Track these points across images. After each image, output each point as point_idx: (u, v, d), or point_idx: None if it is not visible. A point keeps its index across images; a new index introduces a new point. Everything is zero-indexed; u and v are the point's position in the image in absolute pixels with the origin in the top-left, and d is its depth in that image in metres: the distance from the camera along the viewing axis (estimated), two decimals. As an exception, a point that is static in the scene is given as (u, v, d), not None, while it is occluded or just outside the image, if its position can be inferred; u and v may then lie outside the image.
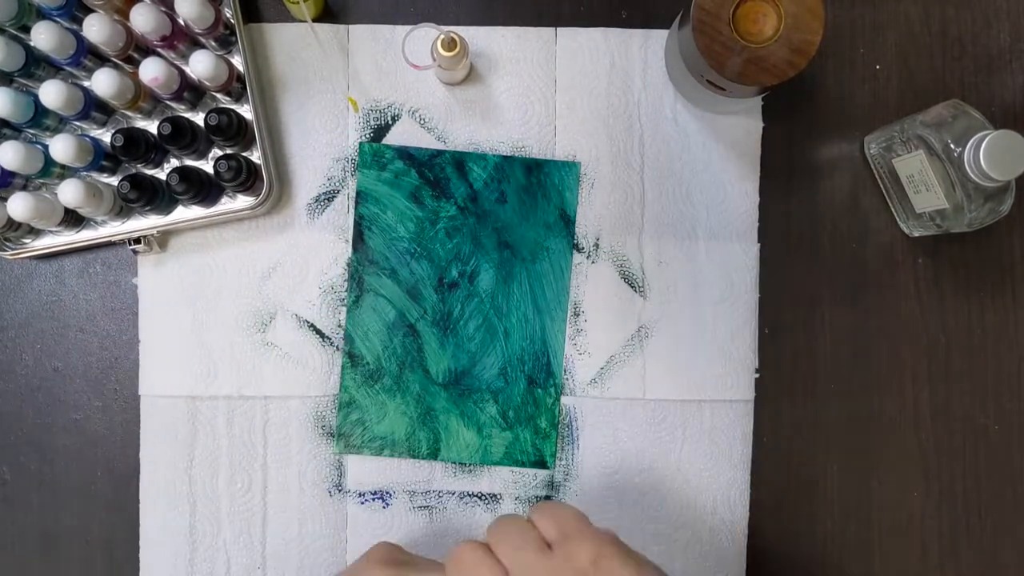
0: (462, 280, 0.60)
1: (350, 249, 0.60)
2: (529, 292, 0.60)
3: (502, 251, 0.60)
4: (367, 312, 0.60)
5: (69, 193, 0.53)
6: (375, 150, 0.60)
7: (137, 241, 0.58)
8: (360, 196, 0.60)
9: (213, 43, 0.57)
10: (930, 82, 0.62)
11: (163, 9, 0.54)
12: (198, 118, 0.58)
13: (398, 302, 0.60)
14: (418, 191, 0.60)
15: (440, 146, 0.60)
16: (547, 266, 0.60)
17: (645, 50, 0.61)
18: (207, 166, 0.58)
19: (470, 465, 0.60)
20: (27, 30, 0.53)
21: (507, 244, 0.60)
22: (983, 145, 0.50)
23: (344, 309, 0.60)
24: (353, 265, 0.60)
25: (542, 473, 0.60)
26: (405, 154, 0.60)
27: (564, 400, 0.60)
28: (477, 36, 0.60)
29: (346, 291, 0.60)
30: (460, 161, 0.60)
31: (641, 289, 0.60)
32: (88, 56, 0.55)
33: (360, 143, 0.60)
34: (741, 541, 0.60)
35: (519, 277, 0.60)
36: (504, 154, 0.60)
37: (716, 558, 0.60)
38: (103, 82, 0.53)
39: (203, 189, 0.57)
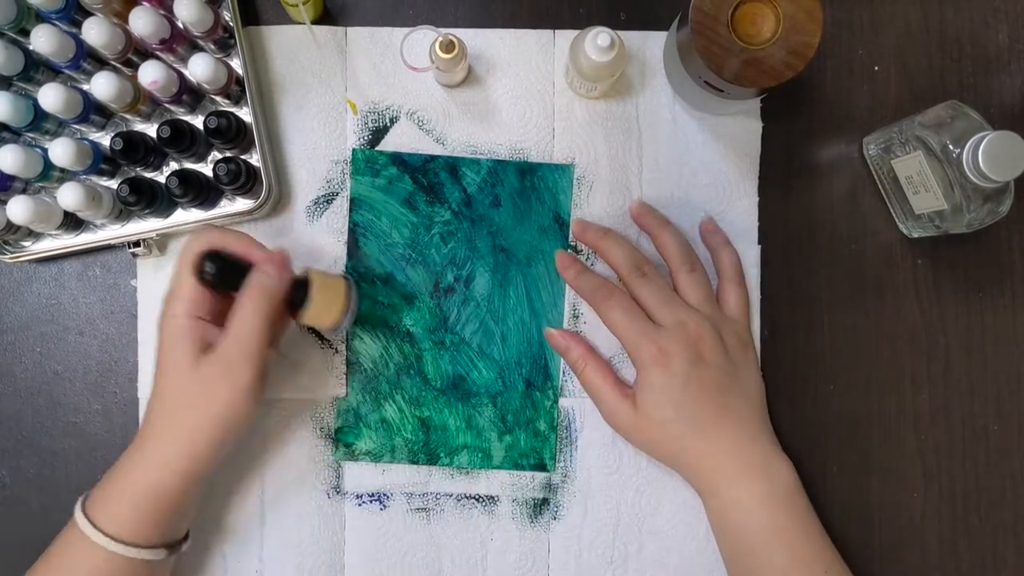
0: (458, 285, 0.60)
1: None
2: (525, 295, 0.60)
3: (497, 255, 0.60)
4: (364, 318, 0.59)
5: (68, 196, 0.53)
6: (368, 156, 0.60)
7: (136, 244, 0.58)
8: (354, 203, 0.60)
9: (212, 46, 0.57)
10: (929, 83, 0.62)
11: (162, 12, 0.54)
12: (197, 121, 0.58)
13: (395, 308, 0.60)
14: (412, 196, 0.60)
15: (439, 148, 0.60)
16: (542, 269, 0.60)
17: (643, 52, 0.61)
18: (206, 169, 0.58)
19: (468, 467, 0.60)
20: (26, 33, 0.53)
21: (502, 248, 0.60)
22: (982, 146, 0.50)
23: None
24: (349, 272, 0.60)
25: (540, 475, 0.60)
26: (398, 159, 0.60)
27: (563, 402, 0.60)
28: (475, 38, 0.60)
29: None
30: (453, 166, 0.60)
31: (640, 291, 0.60)
32: (87, 59, 0.55)
33: (353, 149, 0.60)
34: (741, 542, 0.60)
35: (515, 281, 0.60)
36: (501, 157, 0.60)
37: (713, 555, 0.60)
38: (102, 85, 0.53)
39: (202, 192, 0.57)
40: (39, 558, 0.52)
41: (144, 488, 0.50)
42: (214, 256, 0.49)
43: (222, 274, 0.49)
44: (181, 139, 0.55)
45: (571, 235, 0.60)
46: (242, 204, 0.58)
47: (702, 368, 0.53)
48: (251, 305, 0.49)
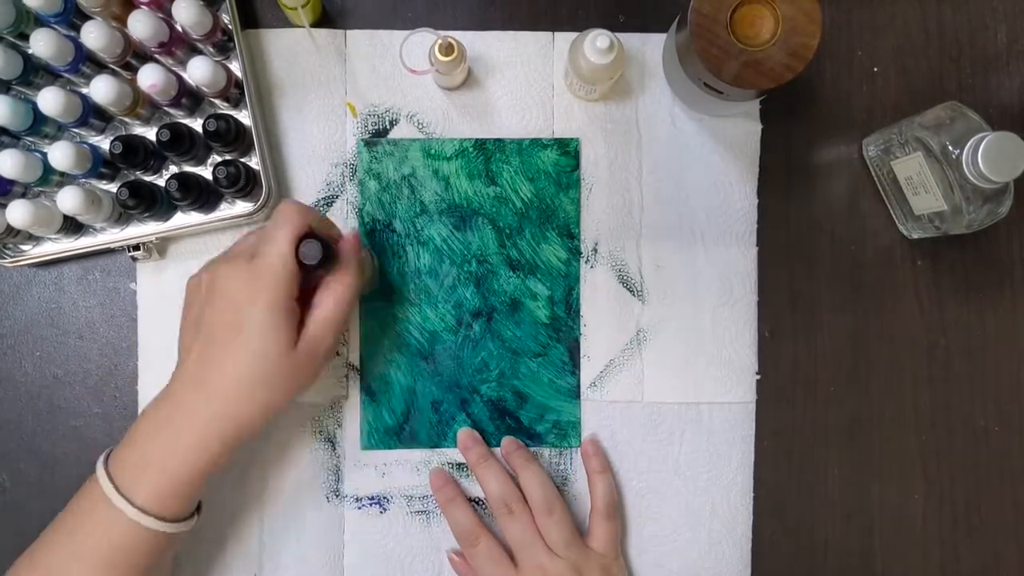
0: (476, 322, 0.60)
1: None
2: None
3: (509, 250, 0.60)
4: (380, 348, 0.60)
5: (68, 200, 0.53)
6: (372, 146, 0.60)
7: (136, 248, 0.58)
8: (362, 204, 0.60)
9: (211, 49, 0.57)
10: (928, 84, 0.62)
11: (161, 15, 0.54)
12: (196, 124, 0.58)
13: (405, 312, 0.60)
14: (420, 188, 0.60)
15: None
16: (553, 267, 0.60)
17: (643, 54, 0.61)
18: (206, 172, 0.58)
19: (467, 470, 0.60)
20: (25, 37, 0.53)
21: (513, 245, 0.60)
22: (981, 147, 0.50)
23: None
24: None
25: (541, 477, 0.60)
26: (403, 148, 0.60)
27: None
28: (474, 40, 0.60)
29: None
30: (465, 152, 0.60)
31: (639, 293, 0.60)
32: (86, 63, 0.55)
33: (359, 142, 0.60)
34: (742, 544, 0.60)
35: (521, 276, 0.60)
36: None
37: (715, 560, 0.60)
38: (101, 89, 0.53)
39: (202, 195, 0.57)
40: (56, 518, 0.50)
41: (190, 463, 0.48)
42: (312, 240, 0.48)
43: (321, 259, 0.48)
44: (180, 142, 0.55)
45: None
46: (242, 207, 0.58)
47: None
48: (344, 292, 0.50)
